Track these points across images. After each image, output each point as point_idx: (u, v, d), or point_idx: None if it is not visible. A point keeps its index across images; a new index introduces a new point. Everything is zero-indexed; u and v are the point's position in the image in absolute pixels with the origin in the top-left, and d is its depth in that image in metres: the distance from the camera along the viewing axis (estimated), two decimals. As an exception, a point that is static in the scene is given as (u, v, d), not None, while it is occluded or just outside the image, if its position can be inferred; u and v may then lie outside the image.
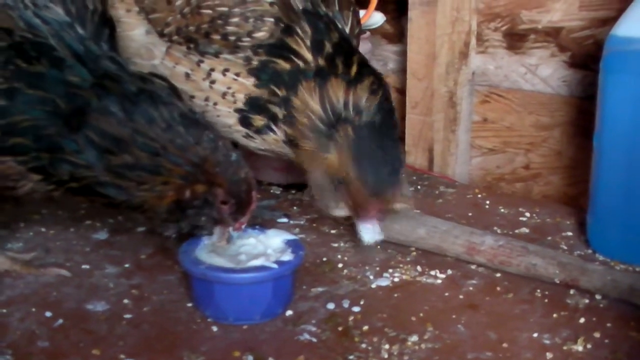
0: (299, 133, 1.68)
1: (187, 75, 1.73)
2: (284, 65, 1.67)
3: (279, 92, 1.68)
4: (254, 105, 1.70)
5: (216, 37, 1.69)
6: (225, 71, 1.70)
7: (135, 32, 1.79)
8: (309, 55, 1.67)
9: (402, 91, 2.55)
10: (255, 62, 1.68)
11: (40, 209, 2.10)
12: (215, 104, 1.73)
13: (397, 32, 2.58)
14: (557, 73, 2.28)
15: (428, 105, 2.42)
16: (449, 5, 2.34)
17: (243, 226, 1.62)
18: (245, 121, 1.72)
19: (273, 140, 1.73)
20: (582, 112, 2.24)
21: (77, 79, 1.50)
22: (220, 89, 1.71)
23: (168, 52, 1.75)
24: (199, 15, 1.71)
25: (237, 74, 1.69)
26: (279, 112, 1.69)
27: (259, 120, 1.71)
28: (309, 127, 1.67)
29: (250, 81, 1.69)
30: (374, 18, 2.36)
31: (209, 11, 1.70)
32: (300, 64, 1.67)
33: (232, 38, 1.68)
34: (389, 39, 2.60)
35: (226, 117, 1.74)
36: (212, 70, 1.71)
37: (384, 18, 2.41)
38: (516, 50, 2.34)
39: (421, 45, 2.39)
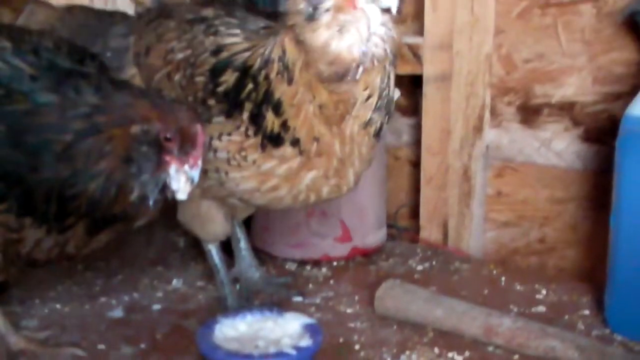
0: None
1: None
2: None
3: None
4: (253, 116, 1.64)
5: (211, 101, 1.69)
6: (220, 136, 1.68)
7: None
8: None
9: (416, 164, 2.55)
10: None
11: (56, 285, 2.09)
12: (226, 173, 1.70)
13: (411, 105, 2.58)
14: (571, 147, 2.27)
15: (443, 180, 2.42)
16: (463, 80, 2.35)
17: (199, 162, 1.50)
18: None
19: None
20: (597, 185, 2.23)
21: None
22: (223, 155, 1.68)
23: None
24: (194, 84, 1.72)
25: (229, 134, 1.67)
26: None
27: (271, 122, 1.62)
28: None
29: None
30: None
31: (202, 78, 1.71)
32: None
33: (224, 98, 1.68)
34: (403, 112, 2.60)
35: (244, 181, 1.70)
36: (211, 138, 1.67)
37: (398, 93, 2.41)
38: (530, 124, 2.33)
39: (436, 121, 2.40)
